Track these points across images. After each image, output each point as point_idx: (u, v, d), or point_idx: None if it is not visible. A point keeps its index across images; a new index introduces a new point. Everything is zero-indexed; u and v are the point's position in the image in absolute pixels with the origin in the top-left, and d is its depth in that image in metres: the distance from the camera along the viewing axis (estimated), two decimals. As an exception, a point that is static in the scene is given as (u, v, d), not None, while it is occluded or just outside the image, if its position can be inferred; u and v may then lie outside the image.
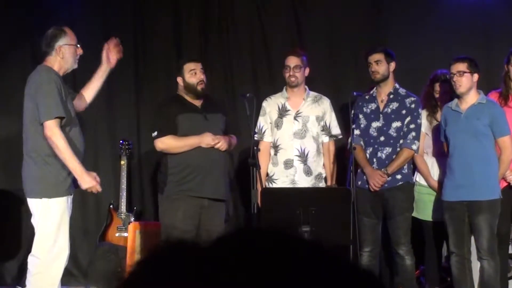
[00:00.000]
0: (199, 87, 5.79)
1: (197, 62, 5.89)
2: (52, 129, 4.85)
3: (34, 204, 4.98)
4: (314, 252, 0.98)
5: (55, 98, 4.88)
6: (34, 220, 5.01)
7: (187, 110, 5.79)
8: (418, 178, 6.11)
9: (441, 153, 5.89)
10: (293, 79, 6.02)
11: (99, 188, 5.04)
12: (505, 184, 5.81)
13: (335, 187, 5.96)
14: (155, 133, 5.78)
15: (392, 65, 5.96)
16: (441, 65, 6.25)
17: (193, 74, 5.81)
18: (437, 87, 6.08)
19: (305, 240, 1.00)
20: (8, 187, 7.03)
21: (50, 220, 4.94)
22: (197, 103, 5.84)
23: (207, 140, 5.67)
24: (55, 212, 4.93)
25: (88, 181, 4.95)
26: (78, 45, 5.13)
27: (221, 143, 5.67)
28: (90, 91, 5.38)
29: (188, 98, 5.84)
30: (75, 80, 6.54)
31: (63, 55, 5.05)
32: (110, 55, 5.39)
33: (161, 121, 5.83)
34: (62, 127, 4.93)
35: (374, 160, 5.91)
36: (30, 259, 4.99)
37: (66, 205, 4.98)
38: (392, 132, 5.91)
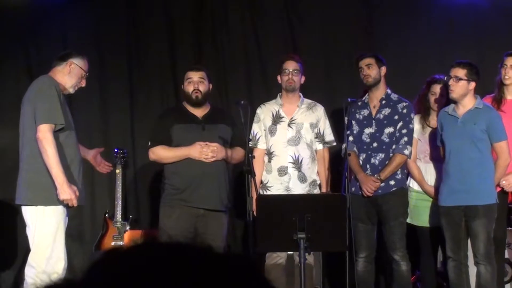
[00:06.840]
0: (193, 96, 5.79)
1: (196, 71, 5.87)
2: (45, 133, 4.84)
3: (29, 212, 4.93)
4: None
5: (54, 104, 4.89)
6: (29, 230, 4.95)
7: (184, 120, 5.78)
8: (411, 184, 6.10)
9: (438, 158, 5.88)
10: (291, 82, 6.00)
11: (75, 203, 4.94)
12: (499, 188, 5.81)
13: (331, 194, 5.96)
14: (149, 143, 5.81)
15: (383, 69, 5.95)
16: (434, 70, 6.25)
17: (189, 83, 5.81)
18: (435, 88, 6.00)
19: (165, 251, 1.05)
20: (3, 198, 7.01)
21: (46, 228, 4.88)
22: (199, 113, 5.82)
23: (194, 152, 5.66)
24: (51, 221, 4.88)
25: (67, 192, 4.86)
26: (86, 74, 5.20)
27: (209, 156, 5.64)
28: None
29: (189, 107, 5.84)
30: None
31: (71, 70, 5.09)
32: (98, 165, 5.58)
33: (155, 131, 5.85)
34: (60, 132, 4.92)
35: (368, 166, 5.90)
36: (27, 269, 4.96)
37: (63, 214, 4.94)
38: (384, 138, 5.90)
